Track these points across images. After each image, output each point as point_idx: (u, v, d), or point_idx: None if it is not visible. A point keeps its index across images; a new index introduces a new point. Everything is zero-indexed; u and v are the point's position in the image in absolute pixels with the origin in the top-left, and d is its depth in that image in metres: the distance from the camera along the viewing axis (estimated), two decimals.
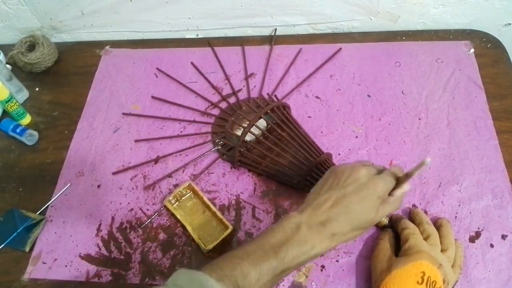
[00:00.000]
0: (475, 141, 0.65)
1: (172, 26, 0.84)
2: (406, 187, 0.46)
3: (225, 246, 0.59)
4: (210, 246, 0.57)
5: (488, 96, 0.69)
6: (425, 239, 0.52)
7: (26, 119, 0.76)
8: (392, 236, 0.55)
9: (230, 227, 0.58)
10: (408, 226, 0.53)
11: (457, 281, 0.53)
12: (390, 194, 0.47)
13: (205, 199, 0.61)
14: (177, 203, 0.63)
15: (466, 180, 0.61)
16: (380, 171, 0.47)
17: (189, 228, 0.59)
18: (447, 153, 0.64)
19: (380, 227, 0.58)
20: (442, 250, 0.51)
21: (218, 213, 0.60)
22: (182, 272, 0.40)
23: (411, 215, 0.57)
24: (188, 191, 0.63)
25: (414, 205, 0.60)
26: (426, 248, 0.50)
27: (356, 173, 0.46)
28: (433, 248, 0.51)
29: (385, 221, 0.56)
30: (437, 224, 0.55)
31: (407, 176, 0.45)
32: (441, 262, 0.49)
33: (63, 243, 0.62)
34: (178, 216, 0.61)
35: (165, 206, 0.62)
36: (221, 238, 0.57)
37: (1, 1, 0.81)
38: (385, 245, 0.53)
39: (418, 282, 0.47)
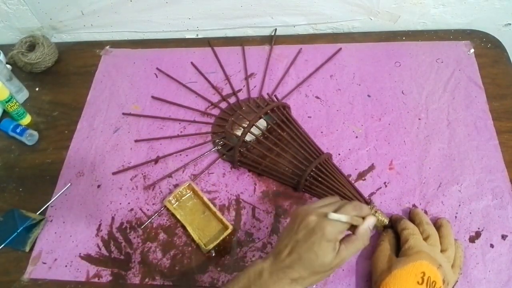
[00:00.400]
0: (475, 141, 0.65)
1: (172, 26, 0.84)
2: (369, 221, 0.46)
3: (225, 246, 0.59)
4: (210, 246, 0.57)
5: (488, 96, 0.69)
6: (425, 239, 0.52)
7: (26, 119, 0.76)
8: (393, 237, 0.55)
9: (230, 227, 0.59)
10: (407, 227, 0.53)
11: (457, 281, 0.53)
12: (354, 232, 0.47)
13: (205, 199, 0.61)
14: (177, 203, 0.63)
15: (466, 180, 0.61)
16: (339, 208, 0.47)
17: (189, 228, 0.59)
18: (447, 153, 0.64)
19: (381, 228, 0.58)
20: (442, 251, 0.52)
21: (218, 213, 0.60)
22: None
23: (411, 215, 0.57)
24: (188, 191, 0.63)
25: (414, 205, 0.60)
26: (425, 249, 0.50)
27: (306, 219, 0.45)
28: (432, 248, 0.51)
29: (386, 221, 0.56)
30: (437, 224, 0.55)
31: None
32: (441, 263, 0.49)
33: (63, 243, 0.62)
34: (178, 216, 0.61)
35: (165, 206, 0.62)
36: (221, 238, 0.57)
37: (1, 1, 0.81)
38: (386, 245, 0.53)
39: (418, 282, 0.47)
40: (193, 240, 0.59)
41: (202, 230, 0.60)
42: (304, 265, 0.44)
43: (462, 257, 0.53)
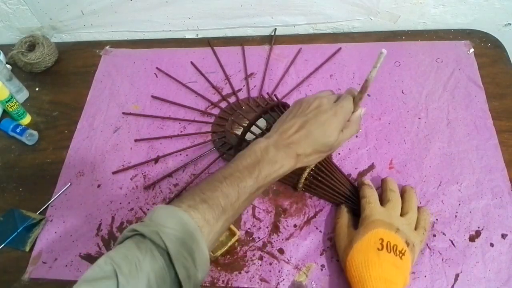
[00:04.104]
0: (475, 140, 0.65)
1: (172, 26, 0.84)
2: (360, 110, 0.50)
3: (232, 253, 0.58)
4: (218, 253, 0.56)
5: (488, 95, 0.69)
6: (385, 204, 0.55)
7: (26, 119, 0.76)
8: (347, 211, 0.58)
9: (238, 233, 0.58)
10: (365, 195, 0.56)
11: (425, 242, 0.55)
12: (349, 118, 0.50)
13: None
14: None
15: (466, 180, 0.61)
16: (339, 97, 0.50)
17: None
18: (447, 152, 0.64)
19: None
20: (402, 214, 0.54)
21: None
22: (162, 207, 0.41)
23: (382, 183, 0.60)
24: None
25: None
26: (380, 216, 0.53)
27: (318, 102, 0.49)
28: (389, 213, 0.53)
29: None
30: (402, 191, 0.58)
31: (361, 91, 0.48)
32: (398, 226, 0.52)
33: (63, 243, 0.62)
34: None
35: None
36: (229, 245, 0.57)
37: (1, 1, 0.81)
38: (343, 221, 0.56)
39: (378, 249, 0.49)
40: None
41: None
42: (310, 141, 0.47)
43: (427, 220, 0.56)
